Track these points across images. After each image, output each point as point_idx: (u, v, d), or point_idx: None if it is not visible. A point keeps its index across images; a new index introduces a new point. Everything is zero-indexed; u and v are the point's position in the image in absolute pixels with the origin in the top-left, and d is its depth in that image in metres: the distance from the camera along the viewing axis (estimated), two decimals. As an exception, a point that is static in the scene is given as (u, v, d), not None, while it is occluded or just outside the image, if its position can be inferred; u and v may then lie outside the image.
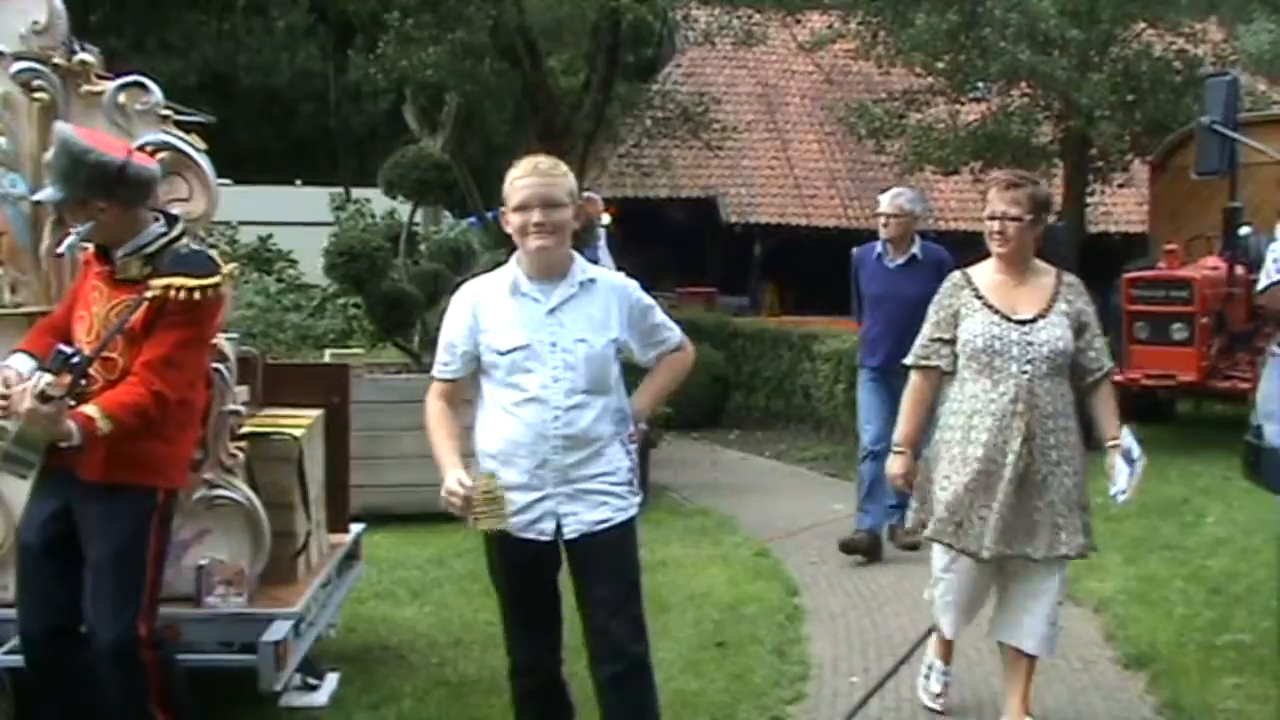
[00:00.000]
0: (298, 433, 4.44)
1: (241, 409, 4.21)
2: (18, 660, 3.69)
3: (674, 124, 16.72)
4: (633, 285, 3.55)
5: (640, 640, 3.45)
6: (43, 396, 3.19)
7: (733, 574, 6.25)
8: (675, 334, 3.62)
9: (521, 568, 3.43)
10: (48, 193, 3.49)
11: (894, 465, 4.20)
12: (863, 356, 6.87)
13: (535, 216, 3.31)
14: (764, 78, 21.28)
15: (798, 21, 16.53)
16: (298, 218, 15.19)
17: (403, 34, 12.40)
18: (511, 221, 3.37)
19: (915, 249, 6.66)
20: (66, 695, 3.53)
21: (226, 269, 3.69)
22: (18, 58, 3.94)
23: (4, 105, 3.95)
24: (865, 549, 6.63)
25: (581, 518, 3.38)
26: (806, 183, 20.00)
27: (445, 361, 3.50)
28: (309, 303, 10.86)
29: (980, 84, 13.88)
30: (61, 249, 3.70)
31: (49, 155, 3.53)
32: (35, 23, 3.95)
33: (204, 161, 4.06)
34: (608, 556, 3.41)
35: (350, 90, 21.21)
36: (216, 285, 3.51)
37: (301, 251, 13.71)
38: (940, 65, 13.65)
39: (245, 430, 4.24)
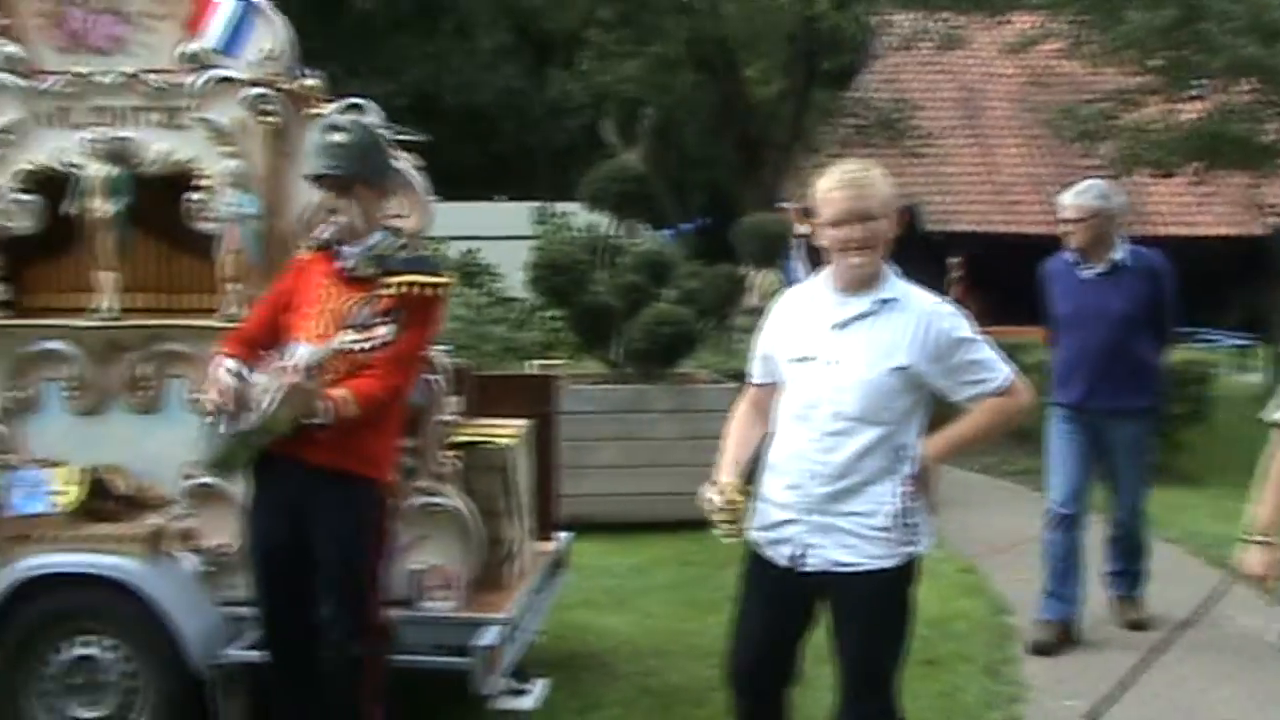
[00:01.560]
0: (507, 442, 4.54)
1: (454, 418, 4.34)
2: (256, 656, 3.87)
3: (872, 131, 16.48)
4: (948, 312, 3.20)
5: (874, 699, 3.21)
6: (306, 373, 3.35)
7: (939, 589, 6.09)
8: (1000, 375, 3.20)
9: (763, 583, 3.29)
10: (325, 167, 3.62)
11: (1252, 559, 3.29)
12: (1053, 391, 5.49)
13: (853, 232, 3.12)
14: (965, 81, 20.79)
15: (1001, 23, 16.08)
16: (500, 232, 15.58)
17: (602, 49, 12.59)
18: (824, 236, 3.19)
19: (1119, 253, 5.29)
20: (305, 691, 3.68)
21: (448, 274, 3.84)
22: (250, 84, 4.15)
23: (238, 129, 4.16)
24: (1057, 647, 5.30)
25: (825, 554, 3.16)
26: (1010, 189, 19.44)
27: (753, 366, 3.46)
28: (513, 315, 11.13)
29: (1199, 81, 13.19)
30: (351, 264, 3.70)
31: (324, 137, 3.66)
32: (266, 50, 4.16)
33: (418, 179, 4.19)
34: (855, 605, 3.17)
35: (550, 107, 21.68)
36: (448, 285, 3.70)
37: (504, 265, 14.04)
38: (1155, 63, 13.04)
39: (457, 439, 4.37)
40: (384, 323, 3.45)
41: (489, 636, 3.98)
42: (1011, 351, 10.99)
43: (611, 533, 6.86)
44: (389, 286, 3.56)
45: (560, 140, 23.47)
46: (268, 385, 3.45)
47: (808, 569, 3.18)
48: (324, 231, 3.73)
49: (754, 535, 3.27)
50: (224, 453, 3.55)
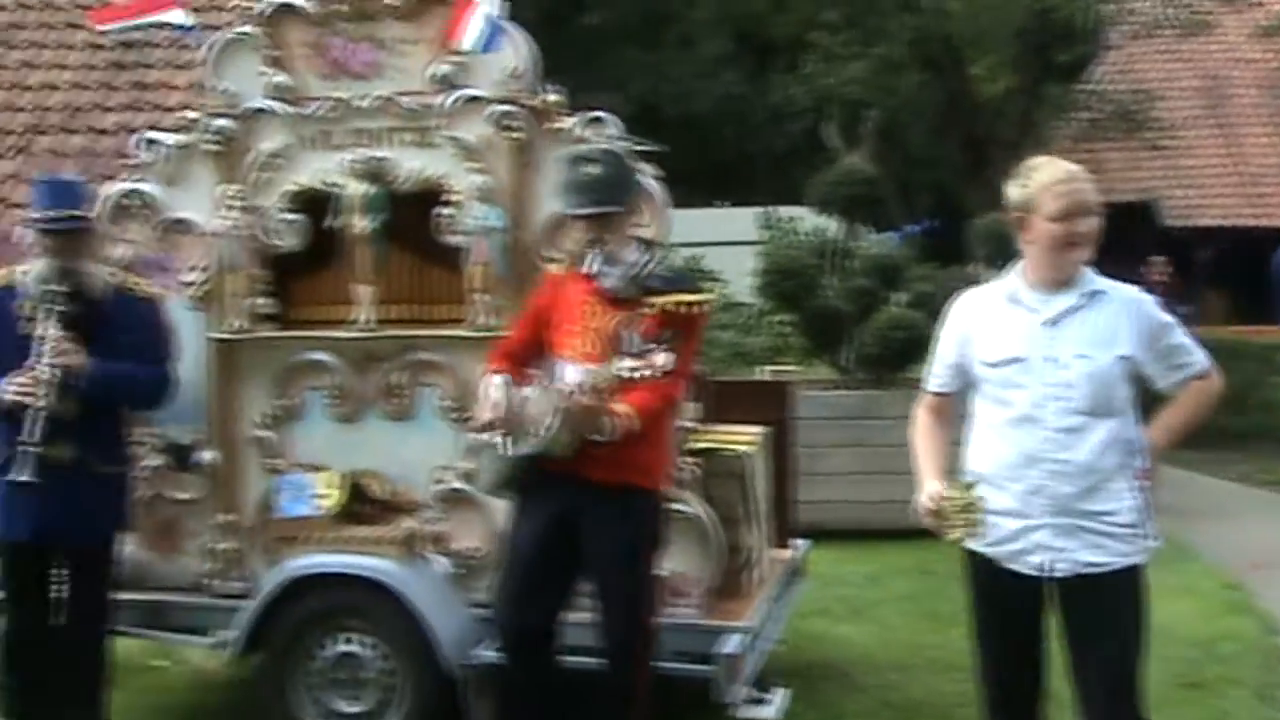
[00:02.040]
0: (745, 449, 4.53)
1: (693, 425, 4.37)
2: (500, 658, 3.97)
3: (1108, 125, 15.76)
4: (1147, 300, 3.22)
5: (1127, 705, 3.11)
6: (591, 393, 3.42)
7: (1201, 607, 5.77)
8: (1198, 357, 3.20)
9: (1002, 600, 3.21)
10: (586, 204, 3.67)
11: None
12: None
13: (1079, 227, 3.09)
14: (1208, 69, 19.63)
15: (1252, 4, 15.16)
16: (722, 238, 15.63)
17: (827, 53, 12.48)
18: (1042, 230, 3.12)
19: None
20: (544, 694, 3.77)
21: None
22: (495, 101, 4.28)
23: (483, 145, 4.30)
24: None
25: (1074, 556, 3.07)
26: (1259, 180, 18.28)
27: (935, 374, 3.39)
28: (740, 320, 11.14)
29: None
30: (613, 284, 3.70)
31: (579, 172, 3.70)
32: (510, 68, 4.28)
33: (657, 189, 4.24)
34: (1102, 606, 3.09)
35: (770, 112, 21.61)
36: (709, 301, 3.74)
37: (728, 271, 14.06)
38: None
39: (695, 446, 4.39)
40: (662, 349, 3.46)
41: (731, 644, 3.98)
42: (1267, 352, 10.34)
43: (845, 540, 6.76)
44: (652, 306, 3.60)
45: (781, 145, 23.33)
46: (546, 406, 3.52)
47: (1056, 575, 3.09)
48: (592, 264, 3.71)
49: (987, 551, 3.16)
50: (504, 474, 3.63)
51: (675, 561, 4.20)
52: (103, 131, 10.85)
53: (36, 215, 4.06)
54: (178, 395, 4.31)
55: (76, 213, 4.09)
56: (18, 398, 3.84)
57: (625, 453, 3.57)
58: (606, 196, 3.67)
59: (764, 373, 7.75)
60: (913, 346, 7.25)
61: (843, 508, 6.98)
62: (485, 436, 3.67)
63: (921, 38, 12.76)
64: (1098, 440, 3.06)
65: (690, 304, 3.64)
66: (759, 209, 16.94)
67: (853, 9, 12.19)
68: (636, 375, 3.41)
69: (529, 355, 3.77)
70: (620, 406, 3.50)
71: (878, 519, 7.16)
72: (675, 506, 4.20)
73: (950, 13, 12.99)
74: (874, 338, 7.21)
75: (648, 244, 3.82)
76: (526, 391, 3.65)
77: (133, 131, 10.80)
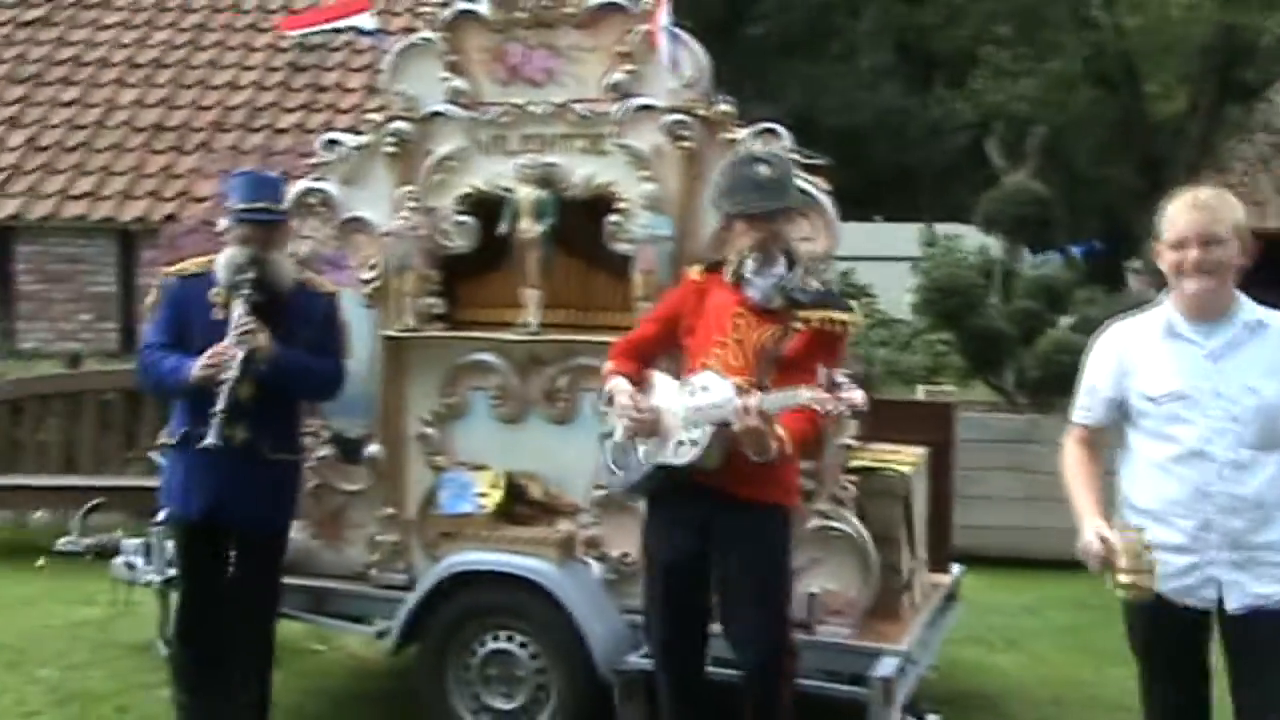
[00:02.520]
0: (906, 469, 4.46)
1: (853, 443, 4.31)
2: (650, 666, 3.98)
3: (1291, 148, 15.06)
4: None
5: None
6: (762, 414, 3.37)
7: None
8: None
9: (1170, 637, 3.13)
10: (755, 204, 3.63)
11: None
12: None
13: (1192, 254, 3.05)
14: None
15: None
16: (878, 253, 15.44)
17: (997, 67, 12.21)
18: (1166, 258, 3.12)
19: None
20: (693, 705, 3.76)
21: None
22: (668, 111, 4.29)
23: (654, 154, 4.32)
24: None
25: (1248, 589, 3.02)
26: None
27: (1086, 406, 3.31)
28: (895, 337, 11.00)
29: None
30: (761, 295, 3.65)
31: (750, 172, 3.66)
32: (685, 78, 4.29)
33: (827, 202, 4.19)
34: (1275, 640, 3.02)
35: (930, 127, 21.31)
36: (856, 321, 3.67)
37: (882, 287, 13.89)
38: None
39: (855, 464, 4.33)
40: (850, 385, 3.45)
41: (886, 667, 3.91)
42: None
43: (999, 567, 6.60)
44: (806, 321, 3.57)
45: (940, 160, 23.00)
46: (696, 418, 3.50)
47: (1230, 610, 3.03)
48: (748, 267, 3.66)
49: (1148, 592, 3.02)
50: (644, 483, 3.63)
51: (831, 580, 4.16)
52: (281, 130, 11.28)
53: (235, 205, 4.23)
54: (347, 389, 4.44)
55: (274, 205, 4.26)
56: (207, 370, 4.00)
57: (767, 470, 3.52)
58: (776, 197, 3.62)
59: (920, 391, 7.60)
60: (1078, 372, 7.03)
61: (999, 533, 6.80)
62: (619, 439, 3.66)
63: (1096, 54, 12.37)
64: (1266, 474, 3.02)
65: (840, 322, 3.59)
66: (916, 224, 16.69)
67: (1025, 24, 11.89)
68: (824, 409, 3.35)
69: (653, 354, 3.75)
70: (780, 430, 3.44)
71: (1035, 547, 6.96)
72: (833, 524, 4.17)
73: (1128, 29, 12.58)
74: (1038, 361, 7.02)
75: (799, 257, 3.75)
76: (665, 398, 3.63)
77: (309, 131, 11.29)
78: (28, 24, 12.59)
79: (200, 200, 10.59)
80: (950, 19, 14.57)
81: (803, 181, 4.14)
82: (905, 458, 4.55)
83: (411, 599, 4.33)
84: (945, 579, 4.90)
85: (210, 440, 3.90)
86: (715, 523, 3.62)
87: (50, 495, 7.44)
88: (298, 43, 12.27)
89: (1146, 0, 12.39)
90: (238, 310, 4.09)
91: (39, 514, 8.08)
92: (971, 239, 10.05)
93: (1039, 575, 6.63)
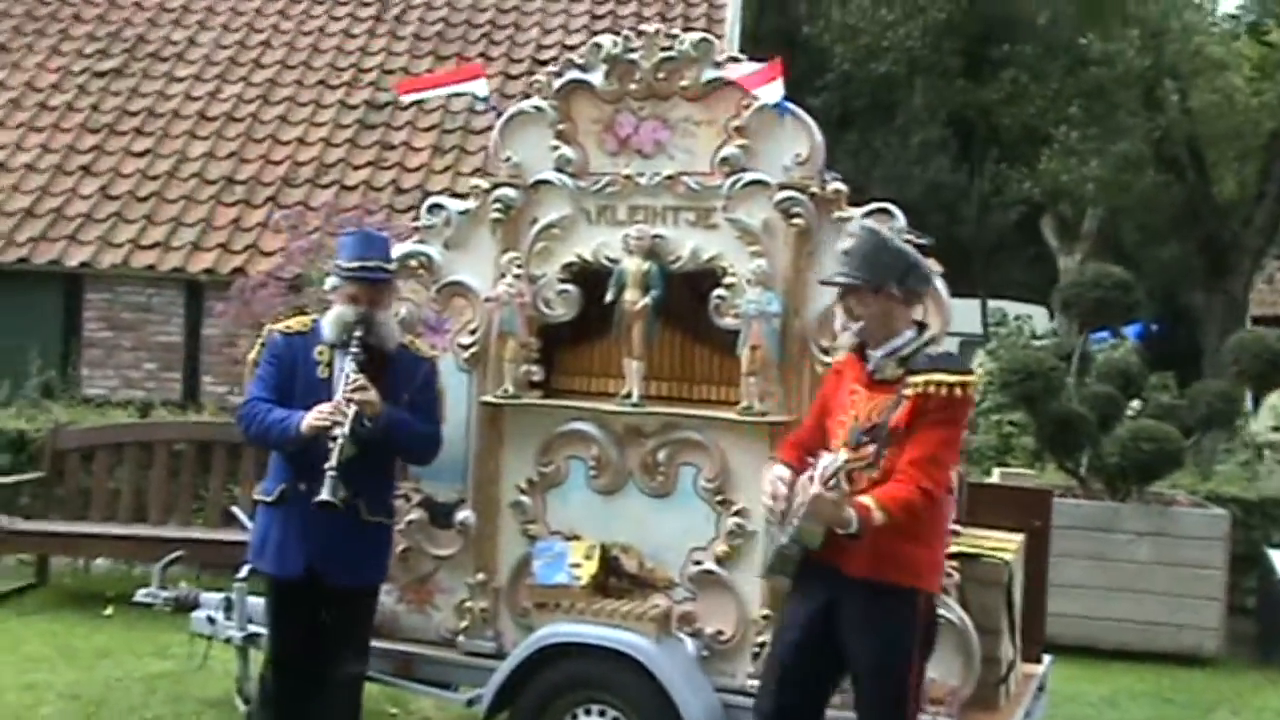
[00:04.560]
0: (1007, 556, 4.38)
1: (953, 527, 4.24)
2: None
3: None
4: None
5: None
6: (828, 484, 3.36)
7: None
8: None
9: None
10: (835, 274, 3.70)
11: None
12: None
13: None
14: None
15: None
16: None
17: (1066, 147, 12.20)
18: None
19: None
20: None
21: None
22: (782, 187, 4.29)
23: (764, 230, 4.32)
24: None
25: None
26: None
27: None
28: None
29: None
30: (874, 367, 3.72)
31: (845, 244, 3.74)
32: (798, 155, 4.29)
33: (939, 283, 4.16)
34: None
35: (981, 202, 21.26)
36: (970, 383, 3.57)
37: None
38: None
39: (955, 549, 4.26)
40: (873, 441, 3.43)
41: (996, 761, 3.82)
42: None
43: (1074, 656, 6.46)
44: (912, 387, 3.53)
45: (988, 236, 22.94)
46: (804, 497, 3.48)
47: None
48: (849, 337, 3.72)
49: None
50: (774, 561, 3.60)
51: (932, 668, 4.07)
52: (349, 187, 11.40)
53: (346, 263, 4.25)
54: (440, 453, 4.44)
55: (384, 264, 4.29)
56: (321, 422, 4.00)
57: (883, 546, 3.47)
58: (854, 271, 3.62)
59: (996, 474, 7.51)
60: (1163, 460, 6.95)
61: (1074, 623, 6.68)
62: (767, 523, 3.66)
63: (1165, 136, 12.35)
64: None
65: (945, 384, 3.49)
66: (970, 299, 16.63)
67: (1093, 104, 11.90)
68: (849, 468, 3.35)
69: (814, 445, 3.72)
70: (866, 499, 3.41)
71: (1112, 638, 6.84)
72: (936, 611, 4.09)
73: (1195, 113, 12.56)
74: (1119, 447, 6.92)
75: (922, 326, 3.72)
76: (800, 481, 3.61)
77: (376, 189, 11.40)
78: (103, 74, 12.83)
79: (268, 254, 10.68)
80: (1011, 97, 14.61)
81: (914, 262, 4.12)
82: (1006, 544, 4.48)
83: (505, 667, 4.28)
84: (1038, 669, 4.80)
85: (325, 496, 3.90)
86: (838, 604, 3.58)
87: (122, 545, 7.44)
88: (365, 101, 12.46)
89: (1217, 85, 12.40)
90: (348, 367, 4.10)
91: (98, 560, 8.10)
92: (1038, 320, 9.99)
93: (1113, 666, 6.52)
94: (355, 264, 4.25)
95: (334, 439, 3.97)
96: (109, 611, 7.05)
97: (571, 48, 13.02)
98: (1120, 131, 12.10)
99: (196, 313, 10.86)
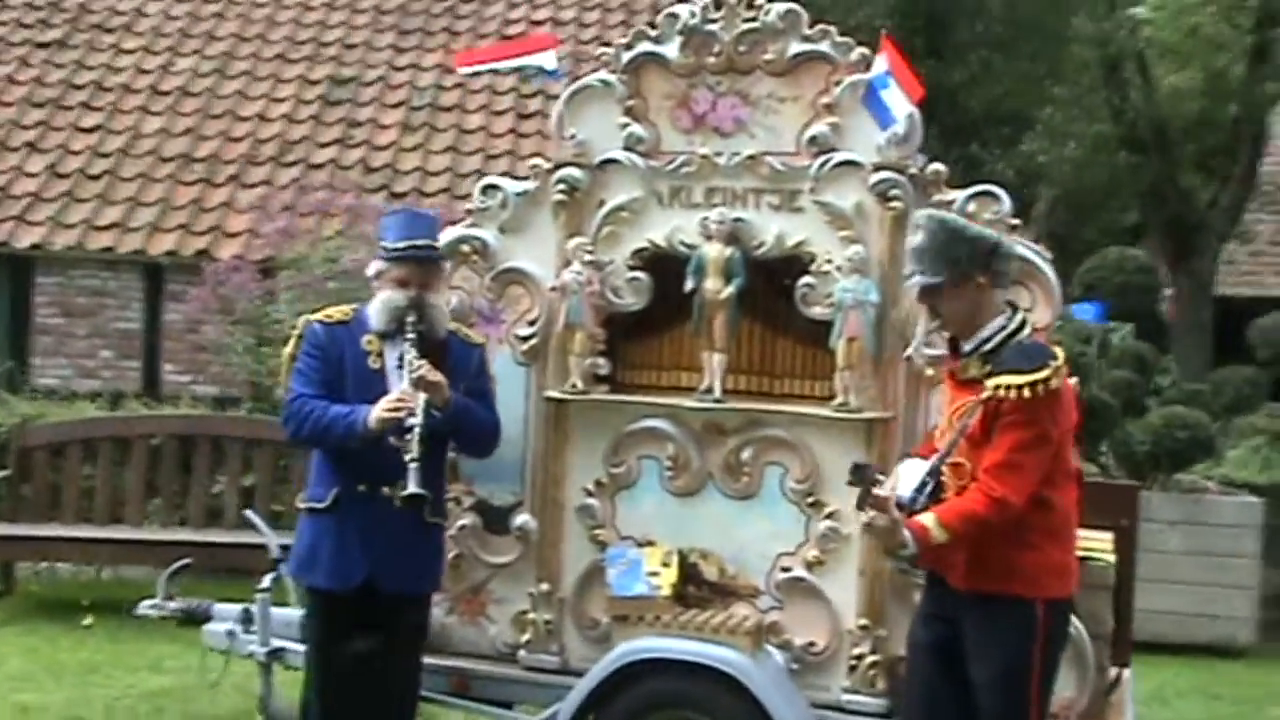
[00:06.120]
0: (1111, 558, 4.17)
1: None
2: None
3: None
4: None
5: None
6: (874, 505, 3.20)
7: None
8: None
9: None
10: (922, 279, 3.45)
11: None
12: None
13: None
14: None
15: None
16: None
17: (1050, 128, 12.11)
18: None
19: None
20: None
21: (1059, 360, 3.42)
22: (877, 168, 4.01)
23: (857, 214, 4.03)
24: None
25: None
26: None
27: None
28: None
29: None
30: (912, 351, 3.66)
31: (914, 240, 3.52)
32: (894, 134, 4.01)
33: (1050, 272, 3.93)
34: None
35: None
36: (1046, 380, 3.25)
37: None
38: None
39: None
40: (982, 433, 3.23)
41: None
42: None
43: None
44: (986, 391, 3.27)
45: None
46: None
47: None
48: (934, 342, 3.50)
49: None
50: (895, 564, 3.44)
51: (1047, 680, 3.85)
52: (315, 166, 10.91)
53: (393, 245, 3.96)
54: (495, 452, 4.13)
55: (434, 243, 4.00)
56: (392, 414, 3.71)
57: (985, 556, 3.28)
58: (921, 267, 3.40)
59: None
60: (1195, 448, 6.81)
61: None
62: None
63: (1133, 119, 12.32)
64: None
65: (1020, 387, 3.22)
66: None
67: (1075, 89, 11.82)
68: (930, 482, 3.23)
69: None
70: (925, 517, 3.20)
71: (1144, 630, 6.65)
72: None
73: (1158, 97, 12.54)
74: (1149, 433, 6.77)
75: (1015, 308, 3.46)
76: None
77: (344, 168, 10.92)
78: (45, 45, 12.16)
79: (233, 235, 10.19)
80: (975, 79, 14.50)
81: (1023, 248, 3.88)
82: (1103, 544, 4.26)
83: (584, 685, 3.96)
84: (1127, 673, 4.59)
85: (413, 488, 3.61)
86: (960, 618, 3.39)
87: (100, 549, 6.98)
88: (329, 76, 11.94)
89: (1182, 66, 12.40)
90: (409, 354, 3.78)
91: (59, 565, 7.62)
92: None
93: (1153, 659, 6.34)
94: (404, 244, 3.95)
95: (408, 430, 3.66)
96: (89, 622, 6.61)
97: (538, 23, 12.65)
98: (1093, 113, 12.06)
99: (156, 297, 10.32)
